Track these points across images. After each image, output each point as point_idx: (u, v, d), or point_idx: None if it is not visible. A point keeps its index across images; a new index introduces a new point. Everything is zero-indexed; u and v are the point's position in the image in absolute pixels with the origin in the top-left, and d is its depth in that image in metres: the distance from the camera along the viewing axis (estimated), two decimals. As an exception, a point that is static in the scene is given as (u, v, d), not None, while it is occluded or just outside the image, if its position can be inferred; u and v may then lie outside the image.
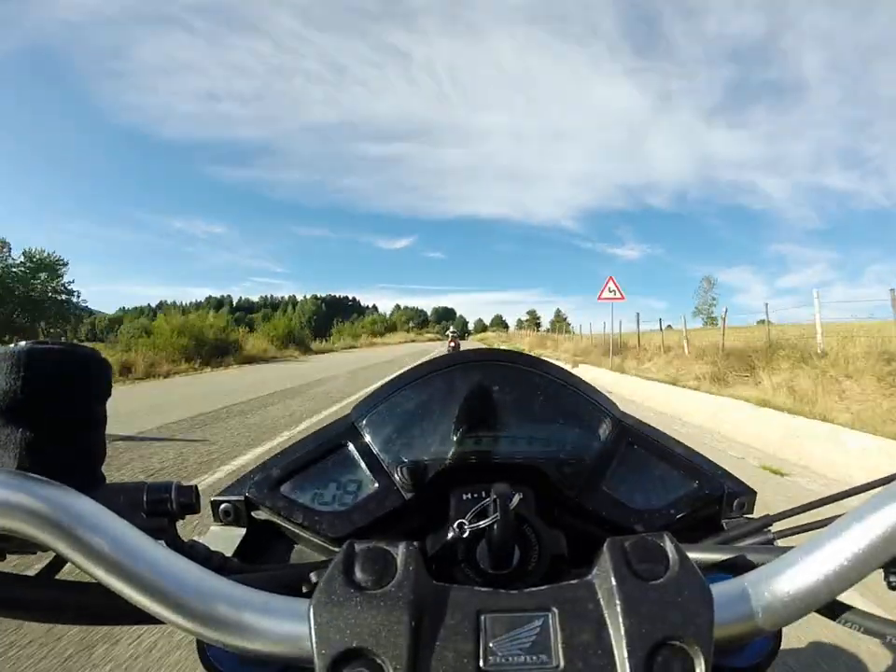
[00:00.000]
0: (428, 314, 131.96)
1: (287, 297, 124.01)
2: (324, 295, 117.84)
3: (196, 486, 0.36)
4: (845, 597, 0.28)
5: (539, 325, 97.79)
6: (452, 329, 25.36)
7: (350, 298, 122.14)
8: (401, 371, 0.52)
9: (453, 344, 21.26)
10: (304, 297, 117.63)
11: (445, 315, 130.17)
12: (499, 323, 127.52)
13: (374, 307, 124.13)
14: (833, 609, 0.31)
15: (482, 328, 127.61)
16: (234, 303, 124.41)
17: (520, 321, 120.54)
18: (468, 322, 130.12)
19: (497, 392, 0.48)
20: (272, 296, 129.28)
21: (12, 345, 0.29)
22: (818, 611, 0.29)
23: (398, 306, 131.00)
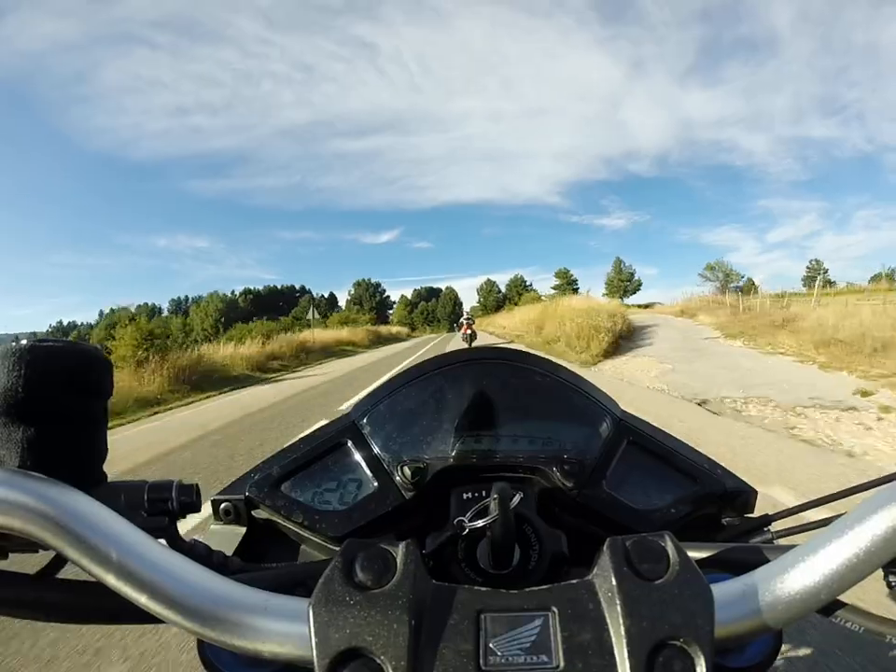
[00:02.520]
0: (409, 297, 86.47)
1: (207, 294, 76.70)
2: (260, 288, 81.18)
3: (197, 485, 0.36)
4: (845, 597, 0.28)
5: (576, 290, 60.32)
6: (467, 313, 20.71)
7: (297, 287, 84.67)
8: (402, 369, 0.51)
9: (469, 332, 18.19)
10: (217, 292, 74.48)
11: (428, 295, 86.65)
12: (522, 287, 77.44)
13: (332, 295, 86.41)
14: (834, 609, 0.31)
15: (494, 303, 74.24)
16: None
17: (525, 288, 76.33)
18: (461, 303, 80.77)
19: (498, 391, 0.48)
20: (187, 297, 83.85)
21: (13, 343, 0.29)
22: (818, 611, 0.29)
23: (356, 283, 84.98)
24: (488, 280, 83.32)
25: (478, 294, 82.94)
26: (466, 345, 16.40)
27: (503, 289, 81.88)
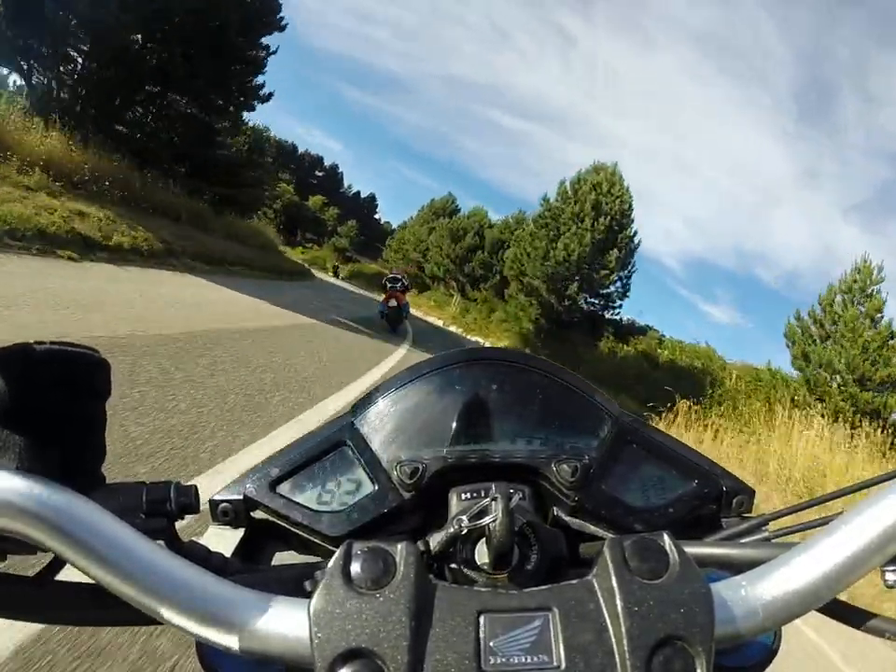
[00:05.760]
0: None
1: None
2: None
3: (196, 486, 0.36)
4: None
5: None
6: (395, 271, 13.48)
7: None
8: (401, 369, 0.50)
9: (394, 303, 11.26)
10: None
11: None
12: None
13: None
14: (833, 608, 0.31)
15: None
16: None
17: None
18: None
19: (497, 391, 0.48)
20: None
21: (10, 345, 0.29)
22: (817, 610, 0.29)
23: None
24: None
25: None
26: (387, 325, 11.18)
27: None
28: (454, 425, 0.46)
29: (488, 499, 0.36)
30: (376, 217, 70.69)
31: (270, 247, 21.39)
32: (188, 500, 0.35)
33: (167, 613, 0.25)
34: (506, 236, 25.94)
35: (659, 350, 18.41)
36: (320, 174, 67.43)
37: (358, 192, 72.13)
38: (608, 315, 19.71)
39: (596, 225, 17.40)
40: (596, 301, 19.09)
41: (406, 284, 12.21)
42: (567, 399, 0.49)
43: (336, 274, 35.89)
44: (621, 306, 19.38)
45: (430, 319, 22.38)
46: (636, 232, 18.55)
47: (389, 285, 11.79)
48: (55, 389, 0.29)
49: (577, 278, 17.86)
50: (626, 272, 18.69)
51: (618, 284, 18.84)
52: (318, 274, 28.75)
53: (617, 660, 0.24)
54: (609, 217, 17.53)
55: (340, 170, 70.88)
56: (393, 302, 11.27)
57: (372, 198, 74.20)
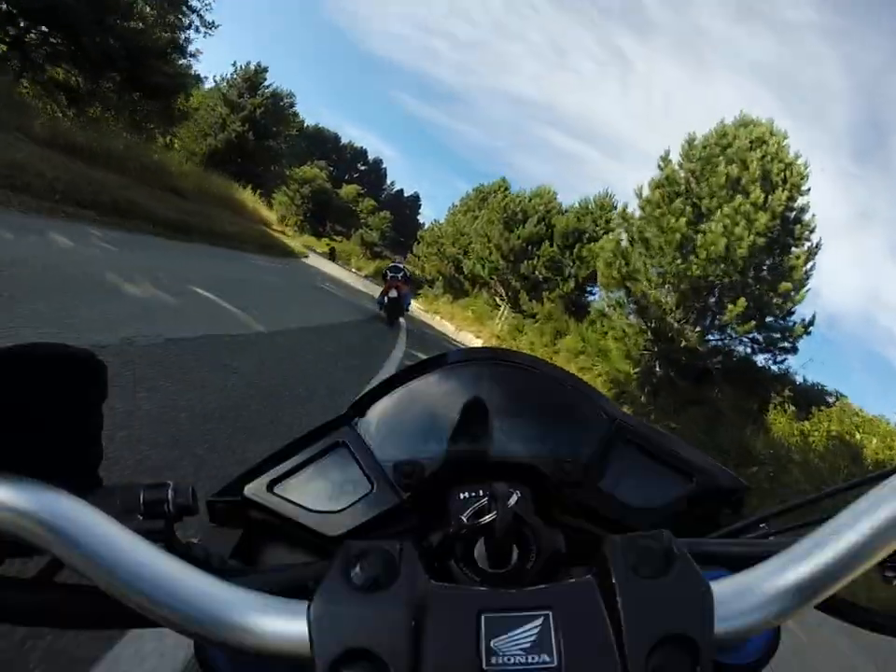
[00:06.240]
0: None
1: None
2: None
3: (193, 487, 0.35)
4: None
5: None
6: (398, 260, 13.47)
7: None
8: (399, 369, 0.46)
9: (394, 294, 10.39)
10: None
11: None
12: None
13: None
14: (832, 604, 0.32)
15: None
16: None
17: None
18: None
19: (495, 390, 0.48)
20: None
21: (5, 347, 0.28)
22: (817, 607, 0.29)
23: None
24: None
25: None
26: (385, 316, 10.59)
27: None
28: (452, 424, 0.46)
29: (487, 499, 0.36)
30: (419, 218, 64.08)
31: (226, 207, 16.14)
32: (186, 501, 0.35)
33: (166, 615, 0.25)
34: (585, 225, 18.18)
35: (860, 435, 9.64)
36: (362, 167, 62.20)
37: (401, 190, 66.96)
38: (761, 359, 10.43)
39: (769, 202, 9.16)
40: (759, 338, 10.01)
41: (408, 274, 11.66)
42: (566, 398, 0.49)
43: (332, 257, 30.77)
44: (795, 350, 10.45)
45: (464, 338, 16.10)
46: (815, 227, 10.12)
47: (390, 274, 11.05)
48: (51, 391, 0.29)
49: (726, 290, 9.58)
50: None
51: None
52: (315, 261, 21.75)
53: (617, 659, 0.24)
54: (784, 193, 9.28)
55: (383, 165, 65.70)
56: (393, 293, 10.46)
57: (416, 197, 68.45)
